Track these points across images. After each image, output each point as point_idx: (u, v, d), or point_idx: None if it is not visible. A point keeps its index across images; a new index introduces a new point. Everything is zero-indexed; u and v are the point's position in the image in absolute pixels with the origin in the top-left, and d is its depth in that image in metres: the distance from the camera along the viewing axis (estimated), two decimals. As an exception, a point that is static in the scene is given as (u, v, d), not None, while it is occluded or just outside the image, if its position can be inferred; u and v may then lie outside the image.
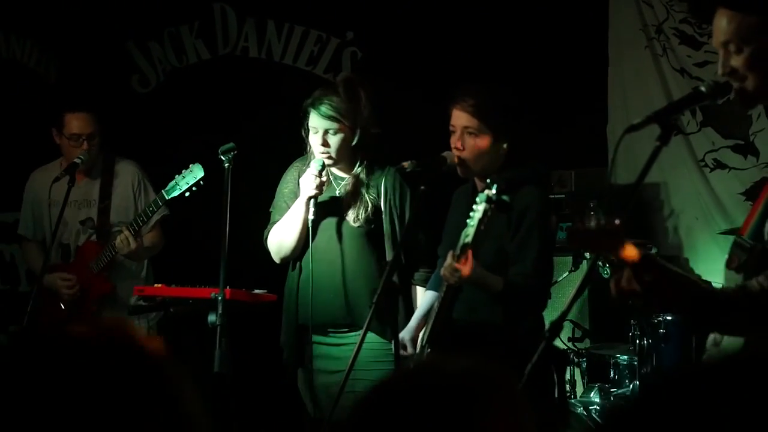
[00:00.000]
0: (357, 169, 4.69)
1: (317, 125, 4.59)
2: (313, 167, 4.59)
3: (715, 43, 2.83)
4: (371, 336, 4.45)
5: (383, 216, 4.64)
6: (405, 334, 4.46)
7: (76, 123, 5.70)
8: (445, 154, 4.21)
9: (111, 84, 7.18)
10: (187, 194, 5.34)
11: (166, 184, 5.46)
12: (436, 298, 4.33)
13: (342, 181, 4.72)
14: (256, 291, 4.88)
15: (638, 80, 6.55)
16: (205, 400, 1.60)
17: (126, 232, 5.47)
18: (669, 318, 5.22)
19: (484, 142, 4.21)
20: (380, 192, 4.63)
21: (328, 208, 4.68)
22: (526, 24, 6.59)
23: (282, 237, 4.73)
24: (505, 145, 4.24)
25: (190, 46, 7.29)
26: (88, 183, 5.80)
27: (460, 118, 4.24)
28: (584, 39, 6.57)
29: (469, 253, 3.90)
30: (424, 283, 4.68)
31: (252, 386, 5.56)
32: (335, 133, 4.59)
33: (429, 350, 4.20)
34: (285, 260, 4.79)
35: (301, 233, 4.67)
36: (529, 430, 1.55)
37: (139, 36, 7.30)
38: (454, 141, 4.24)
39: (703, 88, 2.83)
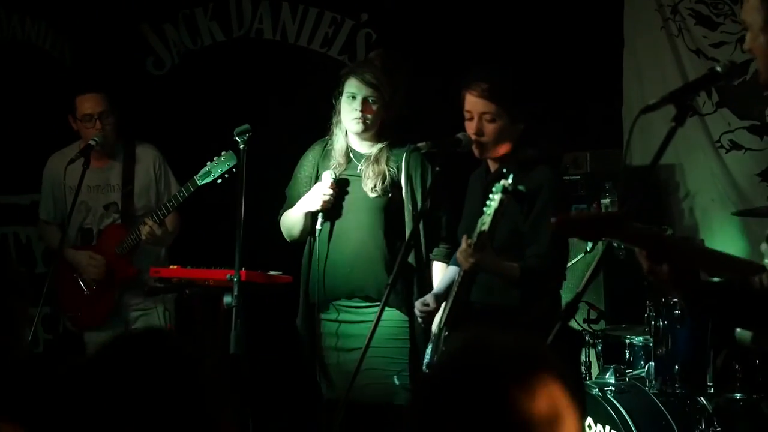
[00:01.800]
0: (379, 144, 4.73)
1: (356, 91, 4.65)
2: (326, 180, 4.66)
3: (743, 15, 2.88)
4: (388, 313, 4.47)
5: (404, 192, 4.66)
6: (428, 297, 4.40)
7: (86, 104, 5.72)
8: (460, 135, 4.21)
9: (125, 66, 7.18)
10: (219, 181, 5.34)
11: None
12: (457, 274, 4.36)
13: (362, 157, 4.75)
14: (272, 272, 4.89)
15: (654, 61, 6.52)
16: (220, 380, 1.71)
17: (150, 223, 5.48)
18: (684, 299, 5.21)
19: (502, 125, 4.20)
20: (401, 167, 4.65)
21: (347, 186, 4.73)
22: (541, 5, 6.57)
23: (291, 227, 4.84)
24: (521, 126, 4.23)
25: (205, 27, 7.28)
26: (109, 167, 5.82)
27: (476, 105, 4.21)
28: (599, 19, 6.54)
29: (485, 240, 3.90)
30: (443, 259, 4.67)
31: (267, 367, 5.57)
32: (374, 102, 4.64)
33: (446, 333, 4.18)
34: (295, 242, 4.88)
35: (306, 227, 4.79)
36: (569, 406, 1.58)
37: (153, 18, 7.30)
38: (472, 127, 4.21)
39: (719, 68, 2.82)
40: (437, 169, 4.14)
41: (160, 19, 7.29)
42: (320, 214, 4.70)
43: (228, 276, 4.58)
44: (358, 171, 4.73)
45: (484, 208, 3.84)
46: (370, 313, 4.61)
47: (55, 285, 5.56)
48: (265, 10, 7.18)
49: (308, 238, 4.83)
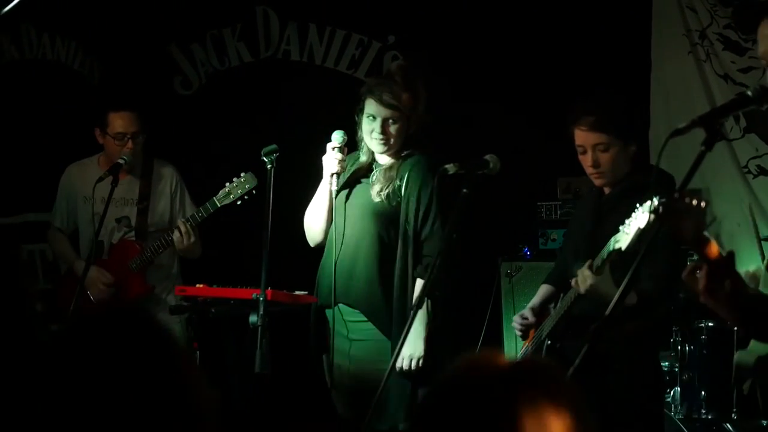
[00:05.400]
0: (399, 154, 4.72)
1: (376, 113, 4.61)
2: (335, 140, 4.64)
3: (761, 51, 2.85)
4: (376, 333, 4.58)
5: (401, 203, 4.65)
6: (526, 311, 4.63)
7: (120, 122, 5.72)
8: (487, 157, 4.21)
9: (153, 86, 7.22)
10: (238, 203, 5.36)
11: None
12: (551, 291, 4.57)
13: (381, 166, 4.74)
14: (297, 292, 4.89)
15: (681, 85, 6.52)
16: (245, 400, 1.69)
17: (185, 226, 5.49)
18: (711, 324, 5.20)
19: (616, 152, 4.25)
20: (403, 178, 4.64)
21: (360, 192, 4.72)
22: (569, 29, 6.58)
23: (310, 218, 4.82)
24: (633, 148, 4.29)
25: (233, 48, 7.32)
26: (127, 181, 5.81)
27: (587, 138, 4.26)
28: (627, 44, 6.54)
29: (614, 258, 3.87)
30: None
31: (292, 387, 5.57)
32: (395, 122, 4.61)
33: (549, 342, 4.35)
34: (317, 244, 4.85)
35: (326, 213, 4.75)
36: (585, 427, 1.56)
37: (181, 38, 7.35)
38: (587, 160, 4.28)
39: (749, 93, 2.81)
40: (465, 191, 4.12)
41: (188, 39, 7.34)
42: (334, 177, 4.67)
43: (254, 295, 4.57)
44: (373, 178, 4.72)
45: (622, 227, 3.76)
46: (364, 329, 4.66)
47: (63, 303, 5.54)
48: (292, 31, 7.22)
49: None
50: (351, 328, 4.71)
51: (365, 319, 4.66)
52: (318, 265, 4.87)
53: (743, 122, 6.30)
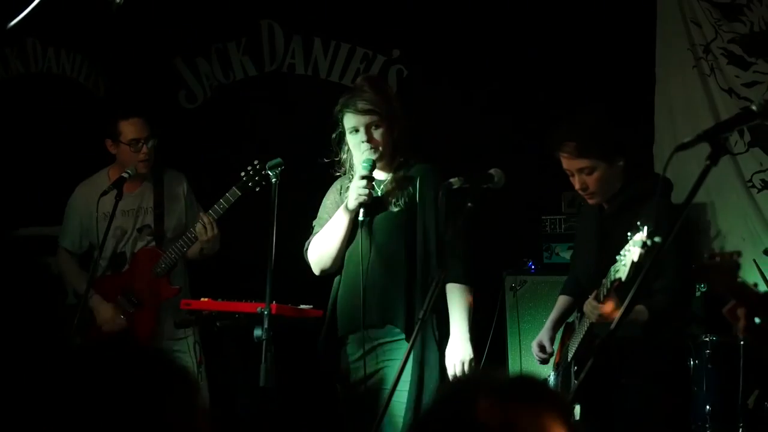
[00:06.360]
0: (395, 166, 4.67)
1: (357, 123, 4.58)
2: (364, 169, 4.55)
3: None
4: (402, 346, 4.49)
5: (417, 211, 4.61)
6: (543, 336, 4.71)
7: (132, 128, 5.72)
8: (492, 170, 4.21)
9: (158, 99, 7.23)
10: (257, 189, 5.36)
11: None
12: (569, 302, 4.68)
13: (382, 182, 4.69)
14: (302, 306, 4.88)
15: (685, 100, 6.52)
16: (249, 414, 1.69)
17: (207, 218, 5.50)
18: (716, 339, 5.19)
19: (602, 172, 4.32)
20: (416, 186, 4.61)
21: (369, 209, 4.63)
22: (574, 43, 6.59)
23: (323, 247, 4.70)
24: (621, 162, 4.33)
25: (237, 62, 7.34)
26: (140, 191, 5.82)
27: (571, 164, 4.34)
28: (632, 58, 6.55)
29: (618, 288, 3.92)
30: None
31: (297, 401, 5.58)
32: (377, 127, 4.58)
33: (576, 368, 4.40)
34: (325, 272, 4.75)
35: (342, 242, 4.64)
36: None
37: (186, 52, 7.36)
38: (576, 183, 4.37)
39: (754, 107, 2.82)
40: (469, 205, 4.11)
41: (193, 53, 7.36)
42: (362, 210, 4.56)
43: (258, 309, 4.56)
44: (380, 194, 4.66)
45: (618, 257, 3.80)
46: (388, 349, 4.61)
47: (85, 316, 5.55)
48: (297, 45, 7.23)
49: (338, 268, 4.76)
50: (386, 348, 4.63)
51: (402, 337, 4.55)
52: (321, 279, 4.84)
53: (747, 136, 6.31)
